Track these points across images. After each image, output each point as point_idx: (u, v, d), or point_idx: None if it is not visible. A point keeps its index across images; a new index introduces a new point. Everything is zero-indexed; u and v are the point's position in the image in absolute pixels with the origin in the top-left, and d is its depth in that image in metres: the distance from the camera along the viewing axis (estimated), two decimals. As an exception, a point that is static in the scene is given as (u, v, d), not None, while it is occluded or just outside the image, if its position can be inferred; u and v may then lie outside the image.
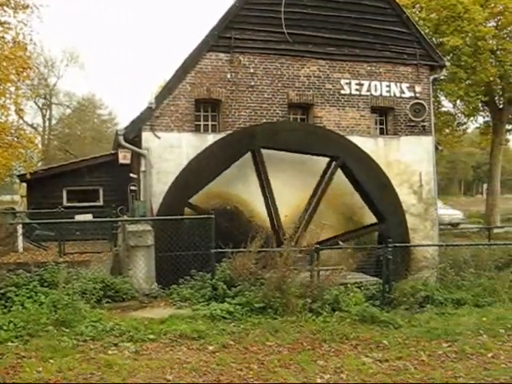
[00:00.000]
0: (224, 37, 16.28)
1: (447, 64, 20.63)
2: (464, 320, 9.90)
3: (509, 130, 34.02)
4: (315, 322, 9.57)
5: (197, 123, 16.48)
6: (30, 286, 10.08)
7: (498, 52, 28.24)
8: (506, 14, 27.29)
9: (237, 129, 16.16)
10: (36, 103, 52.70)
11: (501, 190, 34.74)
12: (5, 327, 8.53)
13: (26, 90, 30.49)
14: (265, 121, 16.45)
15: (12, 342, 8.13)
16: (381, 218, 16.28)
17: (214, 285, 11.05)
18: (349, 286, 11.24)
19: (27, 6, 19.53)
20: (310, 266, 11.93)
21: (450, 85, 27.69)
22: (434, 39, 27.24)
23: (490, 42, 27.91)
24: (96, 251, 17.42)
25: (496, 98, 31.34)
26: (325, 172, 15.99)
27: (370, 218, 16.65)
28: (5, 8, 19.30)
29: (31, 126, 46.53)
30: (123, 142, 15.94)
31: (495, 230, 25.67)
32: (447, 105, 32.68)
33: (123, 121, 59.68)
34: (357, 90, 17.64)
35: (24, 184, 26.37)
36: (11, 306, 9.48)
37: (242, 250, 11.59)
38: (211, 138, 15.81)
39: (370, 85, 17.75)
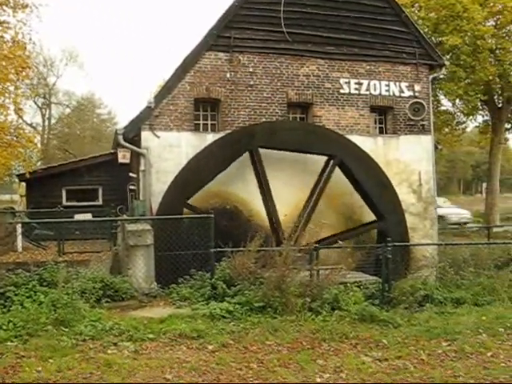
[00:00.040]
0: (223, 36, 16.27)
1: (446, 63, 20.64)
2: (463, 319, 9.91)
3: (508, 129, 33.98)
4: (315, 321, 9.58)
5: (196, 122, 16.47)
6: (29, 286, 10.09)
7: (497, 51, 28.25)
8: (505, 13, 27.28)
9: (236, 128, 16.16)
10: (35, 102, 52.69)
11: (500, 189, 34.78)
12: (4, 327, 8.55)
13: (26, 89, 30.53)
14: (264, 120, 16.44)
15: (11, 341, 8.14)
16: (380, 216, 16.29)
17: (214, 284, 11.06)
18: (348, 285, 11.26)
19: (26, 6, 19.53)
20: (309, 265, 11.95)
21: (450, 84, 27.69)
22: (433, 38, 27.25)
23: (489, 41, 27.92)
24: (95, 251, 17.39)
25: (495, 97, 31.34)
26: (323, 171, 15.99)
27: (370, 217, 16.64)
28: (4, 7, 19.30)
29: (30, 125, 46.53)
30: (122, 142, 15.94)
31: (494, 229, 25.66)
32: (446, 104, 32.74)
33: (123, 120, 59.83)
34: (356, 89, 17.64)
35: (23, 183, 26.37)
36: (10, 306, 9.49)
37: (241, 249, 11.60)
38: (210, 138, 15.80)
39: (369, 84, 17.75)
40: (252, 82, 16.58)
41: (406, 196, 17.40)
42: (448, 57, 27.63)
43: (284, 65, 16.91)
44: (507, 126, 33.24)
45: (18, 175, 25.92)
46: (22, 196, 31.93)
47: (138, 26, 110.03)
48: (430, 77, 18.55)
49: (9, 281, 10.23)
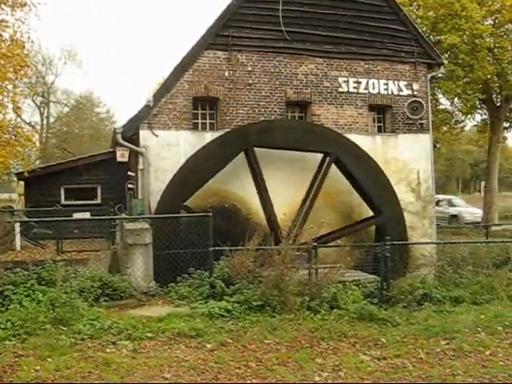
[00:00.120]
0: (222, 35, 16.27)
1: (445, 62, 20.53)
2: (462, 318, 9.91)
3: (506, 128, 33.93)
4: (313, 320, 9.58)
5: (195, 121, 16.47)
6: (27, 285, 10.08)
7: (496, 50, 28.20)
8: (503, 12, 27.23)
9: (235, 127, 16.16)
10: (34, 101, 52.69)
11: (498, 188, 34.72)
12: (2, 326, 8.54)
13: (24, 88, 30.52)
14: (263, 119, 16.44)
15: (10, 340, 8.14)
16: (377, 212, 16.30)
17: (212, 283, 11.06)
18: (347, 283, 11.24)
19: (25, 4, 19.49)
20: (308, 263, 11.95)
21: (448, 83, 27.64)
22: (431, 37, 27.23)
23: (488, 39, 27.86)
24: (94, 249, 17.38)
25: (493, 96, 31.29)
26: (319, 168, 15.99)
27: (368, 216, 16.68)
28: (2, 6, 19.26)
29: (29, 124, 46.48)
30: (121, 140, 15.94)
31: (493, 228, 25.66)
32: (445, 103, 32.66)
33: (121, 119, 59.85)
34: (354, 87, 17.65)
35: (22, 182, 26.33)
36: (9, 305, 9.48)
37: (240, 248, 11.60)
38: (209, 136, 15.81)
39: (367, 83, 17.76)
40: (250, 81, 16.58)
41: (404, 195, 17.42)
42: (446, 55, 27.55)
43: (282, 63, 16.91)
44: (505, 124, 33.19)
45: (16, 174, 25.89)
46: (20, 195, 31.91)
47: (137, 25, 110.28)
48: (429, 75, 18.57)
49: (7, 280, 10.22)
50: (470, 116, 33.17)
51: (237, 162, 15.31)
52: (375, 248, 13.39)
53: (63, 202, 23.03)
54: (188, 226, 13.34)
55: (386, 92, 17.97)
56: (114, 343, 8.22)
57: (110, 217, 18.12)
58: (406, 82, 18.16)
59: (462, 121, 34.17)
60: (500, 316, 9.89)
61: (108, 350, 7.93)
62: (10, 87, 20.00)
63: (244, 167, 15.46)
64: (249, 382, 6.99)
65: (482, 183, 45.02)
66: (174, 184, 14.66)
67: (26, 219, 18.63)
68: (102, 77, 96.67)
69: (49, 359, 7.42)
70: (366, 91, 17.76)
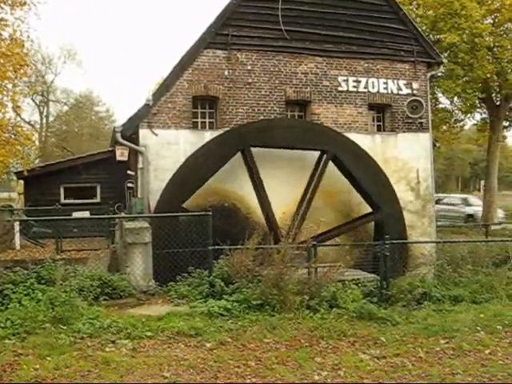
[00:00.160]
0: (221, 34, 16.26)
1: (444, 61, 20.52)
2: (461, 317, 9.92)
3: (506, 127, 33.94)
4: (313, 319, 9.58)
5: (194, 120, 16.47)
6: (27, 284, 10.08)
7: (495, 49, 28.20)
8: (503, 11, 27.23)
9: (234, 126, 16.16)
10: (33, 100, 52.69)
11: (498, 187, 34.72)
12: (2, 324, 8.55)
13: (24, 87, 30.51)
14: (262, 118, 16.45)
15: (9, 339, 8.14)
16: (376, 208, 16.33)
17: (212, 282, 11.06)
18: (346, 282, 11.24)
19: (24, 3, 19.46)
20: (307, 262, 11.95)
21: (447, 82, 27.64)
22: (431, 36, 27.23)
23: (487, 38, 27.86)
24: (93, 248, 17.41)
25: (493, 95, 31.29)
26: (316, 166, 15.99)
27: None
28: (2, 5, 19.24)
29: (28, 123, 46.44)
30: (120, 139, 15.93)
31: (492, 227, 25.66)
32: (444, 102, 32.67)
33: (121, 118, 59.87)
34: (354, 86, 17.64)
35: (21, 181, 26.35)
36: (8, 304, 9.48)
37: (239, 247, 11.60)
38: (208, 135, 15.80)
39: (367, 82, 17.75)
40: (250, 80, 16.57)
41: (404, 194, 17.43)
42: (446, 55, 27.55)
43: (282, 62, 16.91)
44: (505, 123, 33.20)
45: (16, 173, 25.88)
46: (19, 194, 31.96)
47: (137, 25, 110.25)
48: (428, 74, 18.57)
49: (7, 279, 10.22)
50: (469, 115, 33.19)
51: (236, 161, 15.30)
52: (375, 247, 13.39)
53: (63, 200, 23.03)
54: (187, 225, 13.34)
55: (385, 91, 17.97)
56: (113, 342, 8.23)
57: (110, 216, 18.12)
58: (405, 81, 18.16)
59: (462, 120, 34.19)
60: (499, 315, 9.90)
61: (107, 349, 7.94)
62: (9, 86, 20.01)
63: (243, 166, 15.45)
64: (248, 381, 7.00)
65: (482, 182, 44.97)
66: (173, 183, 14.65)
67: (26, 218, 18.65)
68: (101, 76, 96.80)
69: (48, 358, 7.42)
70: (366, 90, 17.76)
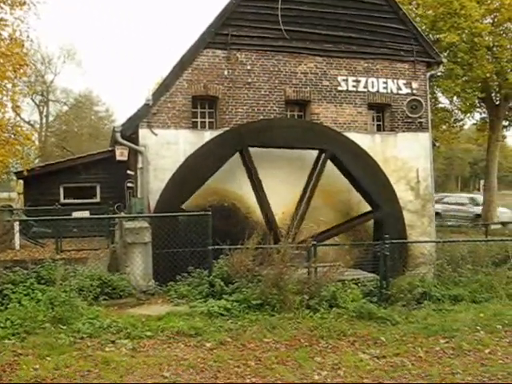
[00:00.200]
0: (221, 33, 16.26)
1: (444, 60, 20.52)
2: (461, 316, 9.91)
3: (505, 127, 33.90)
4: (312, 319, 9.57)
5: (194, 120, 16.47)
6: (26, 284, 10.07)
7: (495, 48, 28.18)
8: (502, 10, 27.21)
9: (234, 125, 16.16)
10: (33, 100, 52.69)
11: (498, 187, 34.68)
12: (2, 324, 8.54)
13: (23, 86, 30.51)
14: (262, 117, 16.45)
15: (9, 339, 8.13)
16: (376, 207, 16.34)
17: (212, 282, 11.05)
18: (346, 282, 11.23)
19: (24, 3, 19.45)
20: (307, 262, 11.94)
21: (447, 81, 27.63)
22: (430, 36, 27.23)
23: (487, 38, 27.85)
24: (93, 248, 17.41)
25: (493, 95, 31.27)
26: (314, 165, 16.00)
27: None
28: (1, 4, 19.23)
29: (28, 122, 46.45)
30: (120, 139, 15.93)
31: (492, 226, 25.66)
32: (444, 101, 32.66)
33: (120, 118, 59.84)
34: (354, 86, 17.65)
35: (21, 181, 26.35)
36: (8, 304, 9.47)
37: (239, 246, 11.60)
38: (208, 135, 15.80)
39: (366, 81, 17.76)
40: (250, 80, 16.58)
41: (403, 193, 17.44)
42: (445, 54, 27.53)
43: (282, 62, 16.91)
44: (505, 123, 33.17)
45: (15, 173, 25.89)
46: (19, 194, 31.93)
47: (137, 25, 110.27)
48: (428, 74, 18.58)
49: (6, 279, 10.21)
50: (469, 114, 33.17)
51: (235, 161, 15.30)
52: (374, 247, 13.39)
53: (62, 200, 23.06)
54: (187, 225, 13.33)
55: (385, 91, 17.98)
56: (113, 342, 8.22)
57: (110, 216, 18.12)
58: (405, 81, 18.17)
59: (461, 119, 34.18)
60: (499, 314, 9.89)
61: (107, 349, 7.94)
62: (9, 86, 20.02)
63: (242, 166, 15.45)
64: (248, 380, 7.00)
65: (482, 182, 44.94)
66: (173, 183, 14.65)
67: (26, 218, 18.65)
68: (101, 76, 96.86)
69: (48, 358, 7.42)
70: (365, 90, 17.77)
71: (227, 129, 15.93)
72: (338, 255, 13.55)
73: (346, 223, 16.54)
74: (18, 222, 17.00)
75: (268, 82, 16.76)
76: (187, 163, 14.89)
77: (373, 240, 15.79)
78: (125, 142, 16.02)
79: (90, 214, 20.07)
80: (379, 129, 18.48)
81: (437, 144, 25.50)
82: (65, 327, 8.57)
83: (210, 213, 11.99)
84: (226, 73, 16.38)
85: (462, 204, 36.00)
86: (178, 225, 13.46)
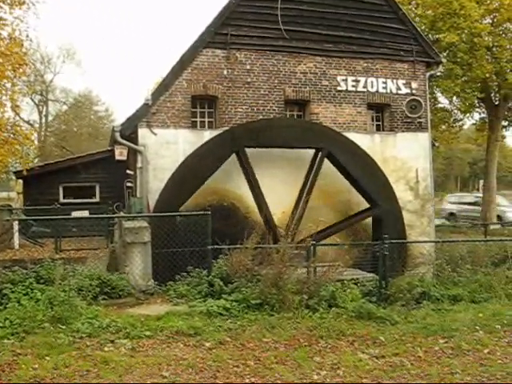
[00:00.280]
0: (220, 33, 16.26)
1: (443, 60, 20.54)
2: (460, 316, 9.92)
3: (505, 127, 33.90)
4: (312, 319, 9.57)
5: (193, 119, 16.47)
6: (26, 283, 10.07)
7: (494, 49, 28.18)
8: (502, 10, 27.20)
9: (233, 125, 16.16)
10: (32, 100, 52.63)
11: (497, 187, 34.66)
12: (1, 324, 8.54)
13: (23, 86, 30.41)
14: (261, 117, 16.45)
15: (8, 339, 8.12)
16: (374, 204, 16.35)
17: (211, 281, 11.06)
18: (345, 282, 11.23)
19: (23, 3, 19.43)
20: (306, 262, 11.94)
21: (446, 81, 27.62)
22: (430, 36, 27.22)
23: (486, 38, 27.83)
24: (92, 248, 17.43)
25: (492, 95, 31.26)
26: (312, 164, 16.00)
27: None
28: (1, 4, 19.21)
29: (27, 122, 46.32)
30: (119, 139, 15.93)
31: (492, 226, 25.66)
32: (443, 101, 32.66)
33: (120, 117, 59.74)
34: (353, 86, 17.66)
35: (20, 181, 26.38)
36: (7, 303, 9.46)
37: (238, 246, 11.60)
38: (208, 135, 15.80)
39: (366, 81, 17.77)
40: (249, 80, 16.58)
41: (403, 193, 17.45)
42: (445, 54, 27.52)
43: (281, 62, 16.91)
44: (504, 123, 33.17)
45: (14, 172, 25.90)
46: (18, 193, 31.95)
47: (137, 25, 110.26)
48: (427, 74, 18.59)
49: (5, 278, 10.21)
50: (468, 115, 33.17)
51: (235, 161, 15.31)
52: (374, 246, 13.39)
53: (62, 200, 23.07)
54: (187, 225, 13.33)
55: (384, 90, 17.98)
56: (112, 342, 8.22)
57: (109, 215, 18.12)
58: (404, 81, 18.17)
59: (461, 119, 34.17)
60: (498, 314, 9.90)
61: (106, 349, 7.93)
62: (8, 85, 19.99)
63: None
64: (247, 380, 7.00)
65: (481, 182, 44.80)
66: (172, 182, 14.66)
67: (25, 218, 18.64)
68: (101, 76, 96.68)
69: (47, 358, 7.42)
70: (365, 90, 17.77)
71: (227, 128, 15.93)
72: (338, 255, 13.56)
73: (345, 221, 16.54)
74: (17, 222, 17.01)
75: (267, 81, 16.76)
76: (187, 163, 14.89)
77: (372, 240, 15.80)
78: (124, 141, 16.02)
79: (90, 213, 20.08)
80: (378, 129, 18.48)
81: (436, 144, 25.48)
82: (64, 327, 8.57)
83: (209, 212, 11.99)
84: (225, 72, 16.38)
85: (478, 204, 34.42)
86: (177, 224, 13.46)
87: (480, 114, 33.94)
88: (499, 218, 32.66)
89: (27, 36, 19.99)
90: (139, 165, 15.75)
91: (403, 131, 18.08)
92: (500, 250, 13.69)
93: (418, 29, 19.28)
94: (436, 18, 27.55)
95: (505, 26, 28.75)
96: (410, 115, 17.94)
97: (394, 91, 18.07)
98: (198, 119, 16.69)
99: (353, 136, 16.66)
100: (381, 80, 17.90)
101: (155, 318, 9.44)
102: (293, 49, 16.96)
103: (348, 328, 9.11)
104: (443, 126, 33.53)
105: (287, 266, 10.61)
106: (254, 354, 7.87)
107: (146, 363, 7.36)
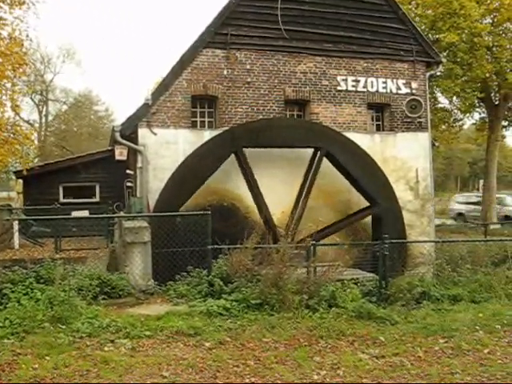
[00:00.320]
0: (220, 33, 16.27)
1: (443, 60, 20.55)
2: (460, 316, 9.91)
3: (505, 127, 33.93)
4: (312, 319, 9.56)
5: (193, 119, 16.48)
6: (26, 283, 10.06)
7: (494, 48, 28.18)
8: (502, 10, 27.21)
9: (233, 125, 16.16)
10: (32, 99, 52.71)
11: (497, 187, 34.64)
12: (1, 324, 8.53)
13: (23, 86, 30.49)
14: (261, 117, 16.46)
15: (8, 338, 8.11)
16: (374, 203, 16.36)
17: (211, 281, 11.04)
18: (345, 282, 11.22)
19: (23, 2, 19.42)
20: (306, 262, 11.94)
21: (446, 81, 27.63)
22: (430, 36, 27.23)
23: (486, 38, 27.84)
24: (92, 248, 17.42)
25: (492, 95, 31.26)
26: (310, 163, 16.00)
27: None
28: (1, 4, 19.21)
29: (27, 122, 46.34)
30: (119, 139, 15.94)
31: (492, 226, 25.64)
32: (443, 101, 32.67)
33: (120, 117, 59.81)
34: (353, 86, 17.67)
35: (20, 180, 26.39)
36: (7, 303, 9.45)
37: (238, 246, 11.59)
38: (208, 135, 15.81)
39: (366, 81, 17.78)
40: (249, 79, 16.58)
41: (403, 193, 17.45)
42: (445, 54, 27.53)
43: (281, 62, 16.92)
44: (504, 123, 33.18)
45: (14, 172, 25.90)
46: (18, 193, 31.96)
47: (137, 25, 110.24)
48: (427, 74, 18.60)
49: (5, 278, 10.21)
50: (468, 114, 33.19)
51: (234, 161, 15.31)
52: (374, 246, 13.38)
53: (62, 200, 23.06)
54: (187, 225, 13.33)
55: (384, 90, 17.99)
56: (112, 341, 8.21)
57: (109, 215, 18.12)
58: (404, 81, 18.18)
59: (461, 119, 34.19)
60: (498, 314, 9.89)
61: (106, 349, 7.93)
62: (8, 85, 19.99)
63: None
64: (247, 380, 6.99)
65: (481, 182, 44.76)
66: (172, 182, 14.66)
67: (25, 217, 18.63)
68: (101, 75, 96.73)
69: (47, 357, 7.41)
70: (365, 89, 17.78)
71: (227, 128, 15.93)
72: (338, 255, 13.55)
73: (345, 220, 16.55)
74: (17, 222, 17.00)
75: (267, 81, 16.77)
76: (186, 163, 14.90)
77: (372, 240, 15.79)
78: (124, 141, 16.02)
79: (90, 213, 20.07)
80: (378, 128, 18.49)
81: (436, 144, 25.48)
82: (64, 327, 8.56)
83: (209, 212, 11.98)
84: (225, 72, 16.39)
85: None
86: (177, 224, 13.46)
87: (480, 113, 33.98)
88: (508, 218, 32.13)
89: (27, 36, 20.00)
90: (139, 165, 15.75)
91: (403, 131, 18.09)
92: (500, 250, 13.68)
93: (418, 29, 19.29)
94: (436, 17, 27.56)
95: (505, 25, 28.76)
96: (409, 115, 17.94)
97: (394, 91, 18.07)
98: (198, 119, 16.70)
99: (353, 136, 16.66)
100: (381, 80, 17.91)
101: (155, 318, 9.43)
102: (293, 49, 16.97)
103: (348, 328, 9.10)
104: (443, 126, 33.55)
105: (287, 266, 10.60)
106: (254, 354, 7.86)
107: (145, 363, 7.36)
